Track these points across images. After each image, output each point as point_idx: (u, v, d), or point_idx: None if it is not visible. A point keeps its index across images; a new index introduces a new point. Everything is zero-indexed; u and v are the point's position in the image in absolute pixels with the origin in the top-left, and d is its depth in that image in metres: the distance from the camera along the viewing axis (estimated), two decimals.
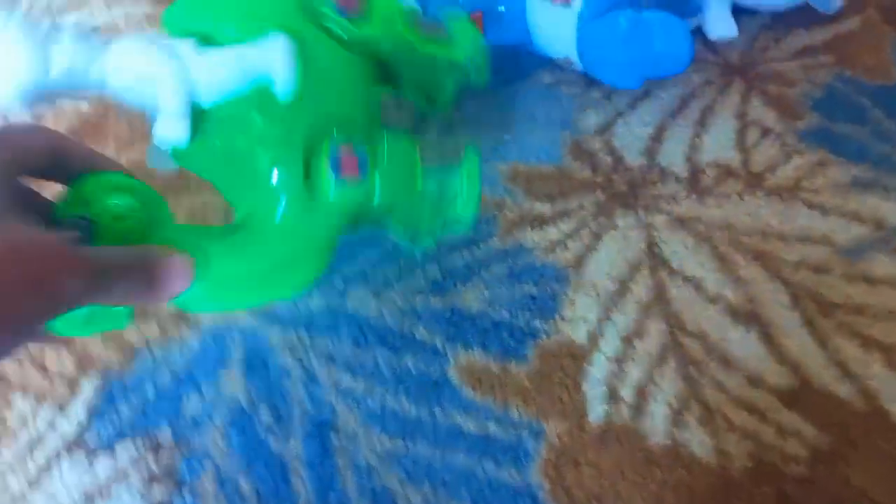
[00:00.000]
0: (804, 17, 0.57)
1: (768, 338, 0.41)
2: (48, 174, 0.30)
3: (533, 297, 0.45)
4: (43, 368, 0.46)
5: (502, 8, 0.53)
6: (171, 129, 0.33)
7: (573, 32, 0.51)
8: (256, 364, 0.44)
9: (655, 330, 0.43)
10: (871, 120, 0.50)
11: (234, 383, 0.44)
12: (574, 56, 0.52)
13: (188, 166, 0.37)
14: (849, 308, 0.41)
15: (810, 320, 0.41)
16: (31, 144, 0.29)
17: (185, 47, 0.33)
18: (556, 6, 0.51)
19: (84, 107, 0.57)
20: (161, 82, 0.32)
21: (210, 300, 0.34)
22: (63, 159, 0.30)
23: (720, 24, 0.56)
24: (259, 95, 0.33)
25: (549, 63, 0.56)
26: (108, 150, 0.54)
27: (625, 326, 0.43)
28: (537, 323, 0.44)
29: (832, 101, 0.51)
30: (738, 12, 0.57)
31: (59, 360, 0.47)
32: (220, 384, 0.44)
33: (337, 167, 0.34)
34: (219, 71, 0.33)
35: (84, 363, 0.46)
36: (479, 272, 0.46)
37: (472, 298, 0.45)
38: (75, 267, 0.26)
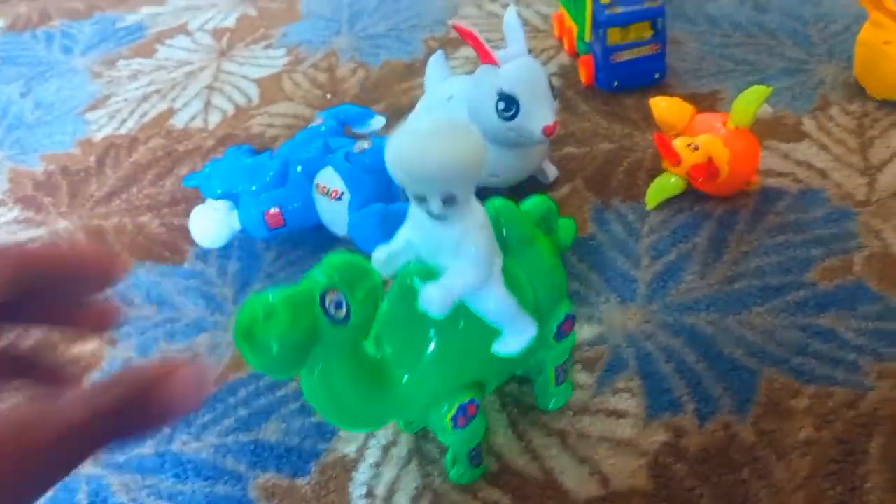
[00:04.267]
0: (531, 186, 0.77)
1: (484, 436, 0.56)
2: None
3: (318, 425, 0.58)
4: None
5: (297, 204, 0.70)
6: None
7: (345, 219, 0.68)
8: None
9: (406, 440, 0.57)
10: (568, 265, 0.68)
11: None
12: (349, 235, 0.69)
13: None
14: (540, 409, 0.57)
15: (514, 421, 0.57)
16: None
17: None
18: (332, 200, 0.69)
19: None
20: None
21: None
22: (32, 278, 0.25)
23: None
24: None
25: (344, 239, 0.72)
26: None
27: (385, 439, 0.57)
28: (320, 445, 0.57)
29: None
30: (482, 189, 0.76)
31: None
32: None
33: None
34: None
35: None
36: (278, 409, 0.60)
37: (272, 431, 0.59)
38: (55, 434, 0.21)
